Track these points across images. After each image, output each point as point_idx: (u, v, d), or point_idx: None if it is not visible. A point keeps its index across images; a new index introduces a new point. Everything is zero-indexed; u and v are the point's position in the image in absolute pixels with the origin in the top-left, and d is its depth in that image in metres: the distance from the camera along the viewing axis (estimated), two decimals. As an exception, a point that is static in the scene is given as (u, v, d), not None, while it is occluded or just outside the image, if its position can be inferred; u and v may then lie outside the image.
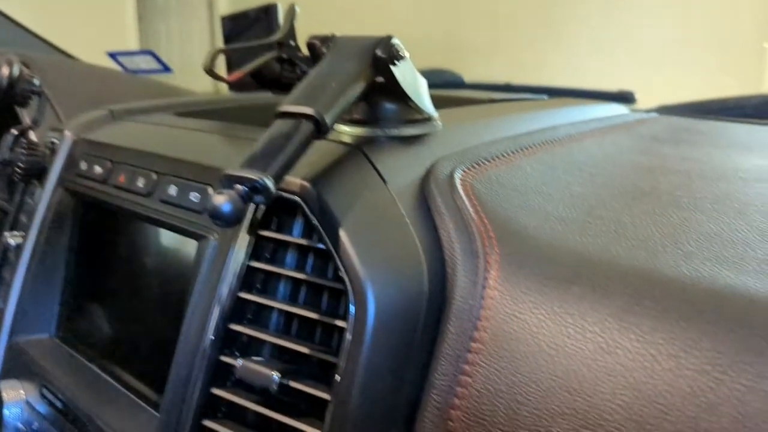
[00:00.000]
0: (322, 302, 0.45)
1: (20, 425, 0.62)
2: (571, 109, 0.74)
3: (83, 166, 0.64)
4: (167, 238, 0.56)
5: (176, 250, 0.55)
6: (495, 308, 0.39)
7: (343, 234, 0.41)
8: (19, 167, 0.68)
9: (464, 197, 0.44)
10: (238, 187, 0.36)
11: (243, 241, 0.46)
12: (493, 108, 0.73)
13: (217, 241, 0.48)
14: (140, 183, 0.57)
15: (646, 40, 1.66)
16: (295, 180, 0.43)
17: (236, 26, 1.40)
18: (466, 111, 0.68)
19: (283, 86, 0.70)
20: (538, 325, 0.37)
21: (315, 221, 0.42)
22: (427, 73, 0.53)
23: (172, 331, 0.50)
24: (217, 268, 0.47)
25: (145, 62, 1.61)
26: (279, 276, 0.46)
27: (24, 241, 0.67)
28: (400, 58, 0.46)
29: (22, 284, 0.66)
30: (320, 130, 0.41)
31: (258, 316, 0.47)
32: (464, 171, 0.47)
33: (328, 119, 0.41)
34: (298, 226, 0.46)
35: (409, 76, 0.48)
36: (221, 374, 0.46)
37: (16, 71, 0.67)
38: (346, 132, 0.50)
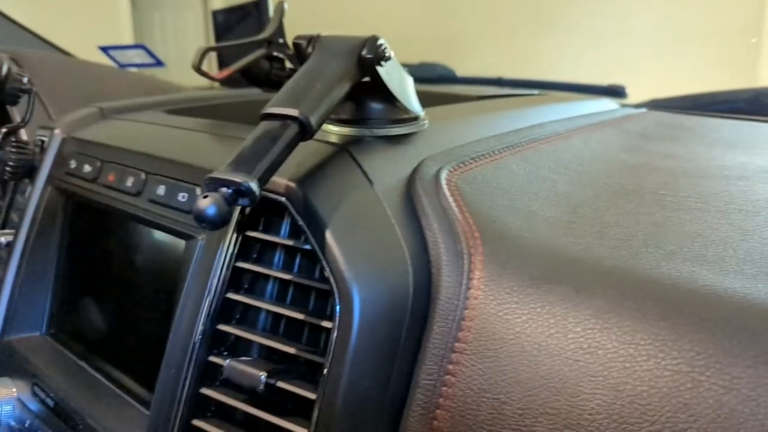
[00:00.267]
0: (310, 303, 0.45)
1: (13, 423, 0.62)
2: (559, 106, 0.74)
3: (73, 164, 0.65)
4: (157, 237, 0.57)
5: (166, 250, 0.56)
6: (479, 308, 0.39)
7: (328, 235, 0.41)
8: (8, 166, 0.68)
9: (449, 197, 0.44)
10: (223, 190, 0.37)
11: (230, 241, 0.47)
12: (481, 105, 0.73)
13: (205, 241, 0.49)
14: (129, 182, 0.57)
15: (639, 33, 1.66)
16: (281, 181, 0.43)
17: (227, 19, 1.40)
18: (454, 108, 0.69)
19: (273, 83, 0.70)
20: (522, 325, 0.38)
21: (301, 222, 0.42)
22: (418, 67, 0.53)
23: (162, 329, 0.51)
24: (205, 268, 0.47)
25: (138, 56, 1.61)
26: (266, 276, 0.47)
27: (15, 239, 0.67)
28: (386, 58, 0.46)
29: (13, 282, 0.66)
30: (306, 131, 0.41)
31: (246, 316, 0.47)
32: (450, 171, 0.47)
33: (313, 121, 0.41)
34: (285, 226, 0.46)
35: (395, 75, 0.48)
36: (210, 374, 0.46)
37: (5, 70, 0.67)
38: (333, 132, 0.50)
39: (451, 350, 0.40)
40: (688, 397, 0.32)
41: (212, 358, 0.46)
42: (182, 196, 0.52)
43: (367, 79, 0.47)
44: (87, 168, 0.63)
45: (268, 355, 0.46)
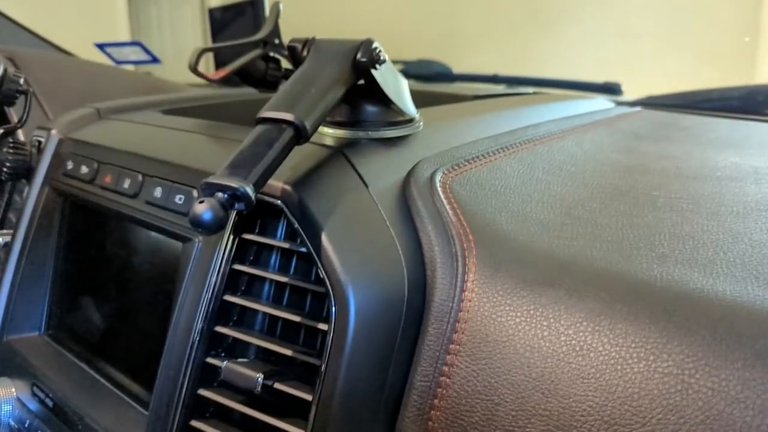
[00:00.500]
0: (306, 305, 0.46)
1: (12, 423, 0.63)
2: (553, 106, 0.75)
3: (70, 165, 0.65)
4: (154, 238, 0.57)
5: (163, 251, 0.56)
6: (473, 310, 0.40)
7: (324, 238, 0.41)
8: (5, 166, 0.68)
9: (444, 200, 0.45)
10: (219, 195, 0.37)
11: (227, 243, 0.47)
12: (476, 105, 0.73)
13: (202, 243, 0.49)
14: (126, 184, 0.57)
15: (635, 30, 1.66)
16: (276, 184, 0.44)
17: (224, 17, 1.40)
18: (449, 109, 0.69)
19: (268, 84, 0.70)
20: (515, 327, 0.38)
21: (296, 225, 0.43)
22: (416, 64, 0.54)
23: (160, 329, 0.51)
24: (202, 270, 0.48)
25: (134, 53, 1.60)
26: (263, 278, 0.47)
27: (12, 239, 0.67)
28: (380, 61, 0.47)
29: (11, 282, 0.66)
30: (301, 136, 0.42)
31: (243, 318, 0.48)
32: (444, 173, 0.48)
33: (308, 125, 0.42)
34: (281, 229, 0.46)
35: (390, 78, 0.49)
36: (208, 375, 0.47)
37: (1, 71, 0.67)
38: (328, 134, 0.50)
39: (445, 351, 0.40)
40: (677, 399, 0.33)
41: (210, 360, 0.46)
42: (179, 198, 0.52)
43: (362, 81, 0.47)
44: (84, 169, 0.63)
45: (265, 357, 0.46)
